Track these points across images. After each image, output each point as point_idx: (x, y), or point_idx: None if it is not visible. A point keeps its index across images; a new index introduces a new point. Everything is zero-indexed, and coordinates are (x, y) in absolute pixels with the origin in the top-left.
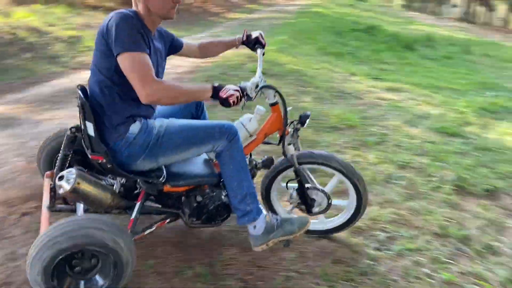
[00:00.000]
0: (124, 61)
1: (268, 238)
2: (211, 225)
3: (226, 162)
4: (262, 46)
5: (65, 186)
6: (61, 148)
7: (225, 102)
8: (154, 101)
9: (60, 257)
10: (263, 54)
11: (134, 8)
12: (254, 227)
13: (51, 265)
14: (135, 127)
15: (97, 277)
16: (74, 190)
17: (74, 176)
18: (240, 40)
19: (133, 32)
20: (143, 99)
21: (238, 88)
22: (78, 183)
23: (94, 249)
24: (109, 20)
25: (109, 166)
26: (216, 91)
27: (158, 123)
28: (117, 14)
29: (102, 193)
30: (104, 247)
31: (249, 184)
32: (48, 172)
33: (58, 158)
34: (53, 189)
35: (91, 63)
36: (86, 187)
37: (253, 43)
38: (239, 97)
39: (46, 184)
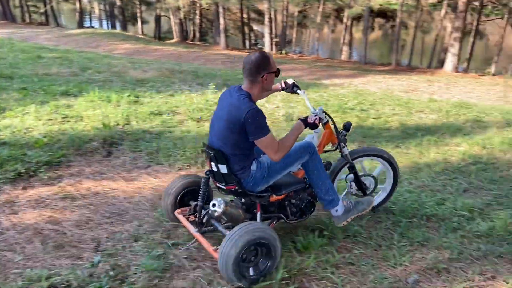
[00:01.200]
0: (262, 142)
1: (347, 216)
2: (303, 219)
3: (311, 169)
4: (299, 88)
5: (218, 210)
6: (201, 187)
7: (313, 126)
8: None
9: (246, 248)
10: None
11: (247, 89)
12: (336, 210)
13: (238, 257)
14: (253, 166)
15: (261, 262)
16: (224, 212)
17: (222, 203)
18: (280, 87)
19: (264, 121)
20: (276, 159)
21: (316, 115)
22: (226, 207)
23: (263, 241)
24: (246, 113)
25: (239, 191)
26: (305, 122)
27: (264, 159)
28: (251, 109)
29: (238, 211)
30: (268, 239)
31: (328, 180)
32: (178, 210)
33: (200, 194)
34: (198, 217)
35: (215, 129)
36: (230, 209)
37: (291, 88)
38: (318, 120)
39: (182, 218)
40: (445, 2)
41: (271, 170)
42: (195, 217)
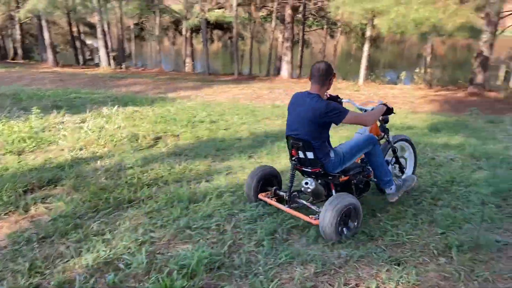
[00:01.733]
0: (350, 119)
1: (398, 192)
2: (361, 196)
3: (373, 156)
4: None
5: (311, 187)
6: (290, 171)
7: (391, 111)
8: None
9: (343, 211)
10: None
11: (316, 92)
12: (391, 188)
13: (338, 219)
14: (332, 154)
15: (350, 223)
16: (314, 189)
17: (313, 182)
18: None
19: (339, 106)
20: (370, 124)
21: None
22: (316, 185)
23: (353, 206)
24: (326, 109)
25: (322, 173)
26: (387, 106)
27: (338, 149)
28: (327, 104)
29: (322, 189)
30: (356, 205)
31: (386, 165)
32: (262, 194)
33: (290, 176)
34: (288, 196)
35: (302, 126)
36: (317, 186)
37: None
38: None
39: (268, 199)
40: (273, 15)
41: (345, 157)
42: (275, 199)
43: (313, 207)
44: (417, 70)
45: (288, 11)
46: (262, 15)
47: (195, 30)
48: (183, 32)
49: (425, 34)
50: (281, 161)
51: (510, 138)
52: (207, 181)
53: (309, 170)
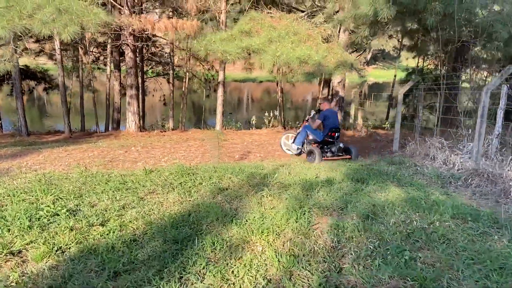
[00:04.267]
0: None
1: None
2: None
3: None
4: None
5: (342, 146)
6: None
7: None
8: None
9: None
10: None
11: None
12: None
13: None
14: None
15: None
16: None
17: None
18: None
19: None
20: None
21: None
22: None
23: None
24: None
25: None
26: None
27: None
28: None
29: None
30: None
31: None
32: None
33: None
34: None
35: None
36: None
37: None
38: None
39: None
40: (108, 60)
41: None
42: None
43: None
44: (266, 114)
45: (129, 55)
46: (93, 64)
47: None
48: None
49: (312, 74)
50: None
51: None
52: None
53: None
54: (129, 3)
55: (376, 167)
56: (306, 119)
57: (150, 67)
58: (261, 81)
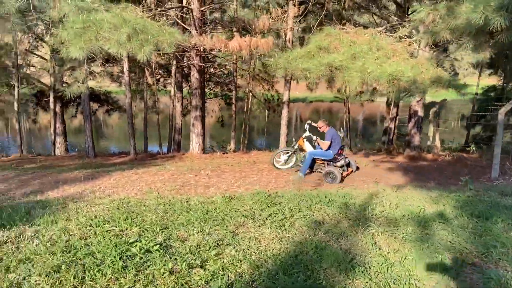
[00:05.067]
0: None
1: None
2: None
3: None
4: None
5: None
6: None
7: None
8: None
9: None
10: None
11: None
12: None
13: None
14: None
15: None
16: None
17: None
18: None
19: None
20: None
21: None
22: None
23: None
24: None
25: None
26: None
27: None
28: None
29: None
30: None
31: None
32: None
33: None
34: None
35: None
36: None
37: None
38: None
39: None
40: (172, 81)
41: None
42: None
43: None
44: None
45: (195, 75)
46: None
47: (65, 103)
48: (51, 106)
49: (402, 91)
50: None
51: None
52: None
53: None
54: (196, 24)
55: (489, 199)
56: (303, 137)
57: (207, 88)
58: (310, 101)
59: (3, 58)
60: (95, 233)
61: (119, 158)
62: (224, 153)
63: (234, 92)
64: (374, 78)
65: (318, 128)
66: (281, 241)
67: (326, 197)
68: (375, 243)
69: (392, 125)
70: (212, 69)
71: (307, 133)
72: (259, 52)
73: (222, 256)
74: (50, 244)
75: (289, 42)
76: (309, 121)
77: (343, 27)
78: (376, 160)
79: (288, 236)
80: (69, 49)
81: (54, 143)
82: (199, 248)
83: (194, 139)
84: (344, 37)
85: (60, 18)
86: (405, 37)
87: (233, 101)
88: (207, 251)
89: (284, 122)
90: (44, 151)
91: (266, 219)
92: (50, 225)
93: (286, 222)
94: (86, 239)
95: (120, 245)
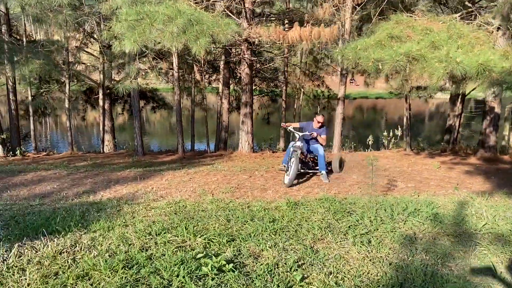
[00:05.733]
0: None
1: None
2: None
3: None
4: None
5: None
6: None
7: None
8: None
9: None
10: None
11: None
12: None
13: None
14: None
15: None
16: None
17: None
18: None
19: None
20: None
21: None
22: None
23: None
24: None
25: None
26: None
27: None
28: None
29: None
30: None
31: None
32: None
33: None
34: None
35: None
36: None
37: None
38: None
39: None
40: (221, 77)
41: None
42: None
43: None
44: (385, 134)
45: (245, 70)
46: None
47: (114, 100)
48: (100, 103)
49: (494, 83)
50: None
51: None
52: None
53: None
54: (248, 15)
55: None
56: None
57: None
58: (354, 98)
59: (55, 55)
60: (156, 243)
61: (167, 156)
62: (273, 152)
63: (284, 88)
64: (462, 69)
65: (318, 124)
66: (374, 263)
67: (407, 206)
68: (495, 268)
69: (456, 123)
70: (258, 65)
71: (298, 136)
72: (322, 42)
73: (309, 281)
74: (109, 256)
75: (346, 34)
76: (289, 127)
77: (410, 14)
78: (445, 162)
79: (381, 256)
80: (122, 43)
81: (103, 141)
82: (277, 267)
83: (243, 137)
84: (417, 24)
85: (112, 11)
86: (485, 24)
87: (284, 97)
88: (288, 273)
89: (338, 120)
90: (92, 148)
91: (347, 232)
92: (106, 232)
93: (372, 237)
94: (146, 250)
95: (187, 262)
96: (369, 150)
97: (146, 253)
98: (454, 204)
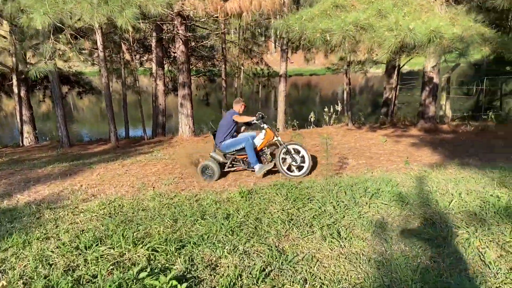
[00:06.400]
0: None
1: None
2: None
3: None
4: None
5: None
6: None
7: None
8: None
9: None
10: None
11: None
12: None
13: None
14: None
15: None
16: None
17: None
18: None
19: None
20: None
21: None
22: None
23: None
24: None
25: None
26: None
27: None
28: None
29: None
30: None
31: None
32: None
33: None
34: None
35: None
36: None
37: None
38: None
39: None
40: (153, 56)
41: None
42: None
43: None
44: (326, 109)
45: (181, 48)
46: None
47: (31, 86)
48: (15, 90)
49: (445, 50)
50: None
51: None
52: None
53: None
54: None
55: None
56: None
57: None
58: (289, 76)
59: None
60: (86, 260)
61: (98, 146)
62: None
63: (224, 66)
64: (413, 37)
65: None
66: (350, 261)
67: (366, 186)
68: (482, 254)
69: (392, 96)
70: (193, 43)
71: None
72: (263, 13)
73: None
74: (24, 284)
75: (286, 6)
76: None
77: None
78: (389, 135)
79: (356, 252)
80: (31, 16)
81: (21, 132)
82: (241, 279)
83: (183, 120)
84: None
85: None
86: None
87: (223, 76)
88: (255, 286)
89: (281, 98)
90: (12, 141)
91: (312, 224)
92: (21, 250)
93: (340, 227)
94: (73, 271)
95: (126, 285)
96: (311, 127)
97: (72, 276)
98: (412, 180)
